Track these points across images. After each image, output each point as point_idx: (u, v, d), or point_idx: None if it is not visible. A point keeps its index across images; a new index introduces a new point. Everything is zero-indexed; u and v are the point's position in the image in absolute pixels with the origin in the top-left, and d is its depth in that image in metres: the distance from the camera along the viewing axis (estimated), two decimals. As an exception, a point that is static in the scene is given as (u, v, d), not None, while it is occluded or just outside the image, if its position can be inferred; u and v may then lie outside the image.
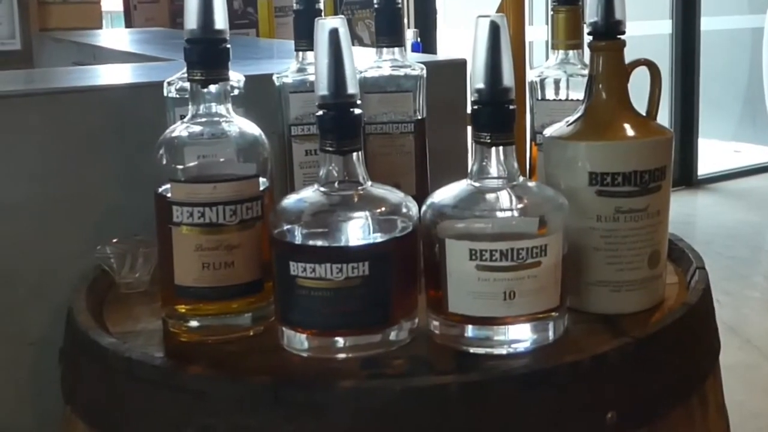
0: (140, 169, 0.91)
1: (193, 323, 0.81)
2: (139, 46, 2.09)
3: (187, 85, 0.93)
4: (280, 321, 0.79)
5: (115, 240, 0.96)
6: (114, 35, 2.83)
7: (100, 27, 2.93)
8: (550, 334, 0.78)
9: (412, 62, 0.99)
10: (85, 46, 2.20)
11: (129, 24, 3.29)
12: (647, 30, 4.44)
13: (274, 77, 0.96)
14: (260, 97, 0.95)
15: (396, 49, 0.97)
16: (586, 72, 0.94)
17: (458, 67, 1.31)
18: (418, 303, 0.80)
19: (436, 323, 0.79)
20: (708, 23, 4.75)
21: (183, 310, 0.81)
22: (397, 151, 0.97)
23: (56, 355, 0.88)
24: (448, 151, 1.14)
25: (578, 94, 0.96)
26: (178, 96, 0.95)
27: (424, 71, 0.98)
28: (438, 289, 0.77)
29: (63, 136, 1.07)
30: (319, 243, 0.75)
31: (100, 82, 1.29)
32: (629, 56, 0.88)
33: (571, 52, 1.02)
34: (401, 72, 0.97)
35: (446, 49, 4.19)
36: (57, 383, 0.87)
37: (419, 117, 0.98)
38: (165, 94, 0.97)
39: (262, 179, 0.82)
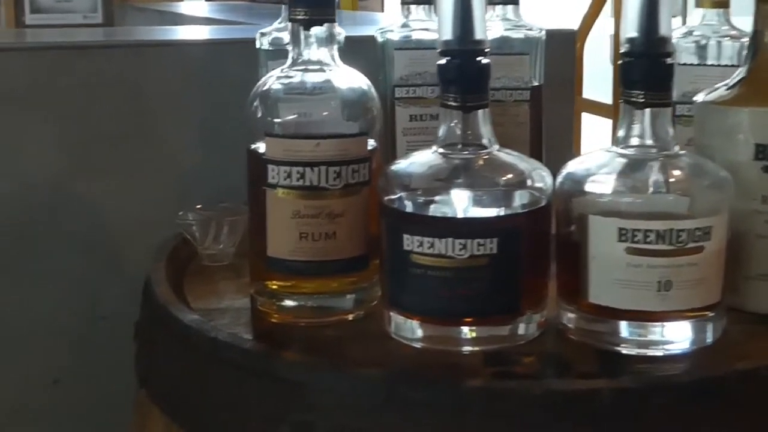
0: (227, 130, 0.87)
1: (287, 302, 0.72)
2: (222, 14, 2.08)
3: (281, 36, 0.89)
4: (387, 304, 0.69)
5: (198, 206, 0.90)
6: (196, 6, 2.85)
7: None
8: (709, 335, 0.67)
9: (529, 22, 0.91)
10: (168, 14, 2.25)
11: (207, -1, 3.28)
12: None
13: (377, 33, 0.90)
14: (356, 60, 0.87)
15: (510, 7, 0.90)
16: (734, 34, 0.87)
17: (567, 37, 1.25)
18: (548, 291, 0.70)
19: (570, 316, 0.69)
20: None
21: (275, 287, 0.72)
22: (511, 121, 0.90)
23: (130, 331, 0.82)
24: (553, 129, 1.05)
25: (726, 60, 0.87)
26: (271, 48, 0.90)
27: (543, 33, 0.91)
28: (575, 276, 0.67)
29: (143, 93, 1.03)
30: (440, 213, 0.65)
31: (184, 37, 1.26)
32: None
33: (716, 11, 0.91)
34: (519, 33, 0.90)
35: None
36: (130, 362, 0.81)
37: (536, 83, 0.90)
38: (257, 46, 0.91)
39: (370, 139, 0.72)
